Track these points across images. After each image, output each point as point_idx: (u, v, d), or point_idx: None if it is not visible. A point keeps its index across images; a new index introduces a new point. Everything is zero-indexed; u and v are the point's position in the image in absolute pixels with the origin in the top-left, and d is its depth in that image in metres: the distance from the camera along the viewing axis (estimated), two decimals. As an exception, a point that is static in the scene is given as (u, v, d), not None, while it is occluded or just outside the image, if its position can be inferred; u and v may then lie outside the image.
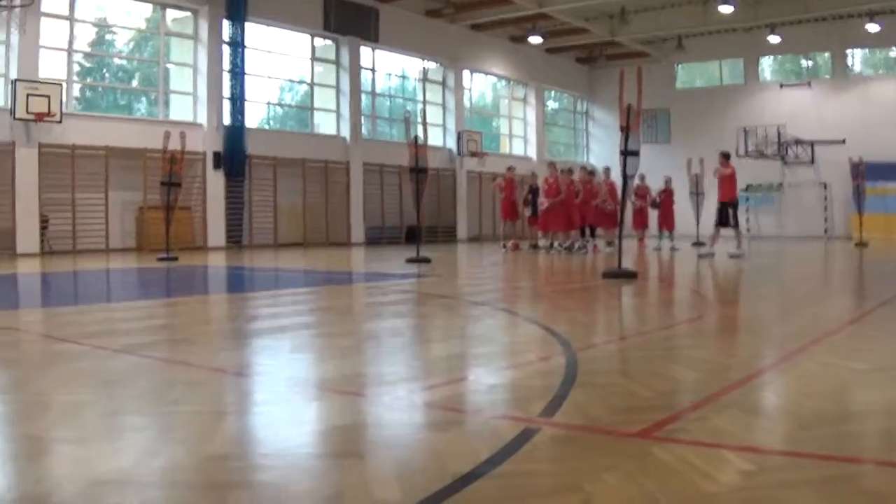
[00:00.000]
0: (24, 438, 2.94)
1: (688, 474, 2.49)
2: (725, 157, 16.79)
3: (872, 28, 27.62)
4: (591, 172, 20.59)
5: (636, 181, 19.25)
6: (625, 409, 3.40)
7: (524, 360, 4.78)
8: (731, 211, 16.32)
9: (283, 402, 3.58)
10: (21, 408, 3.45)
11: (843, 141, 29.19)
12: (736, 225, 16.47)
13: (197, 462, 2.64)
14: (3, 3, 14.28)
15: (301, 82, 25.12)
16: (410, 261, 14.38)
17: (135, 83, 21.98)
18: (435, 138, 27.28)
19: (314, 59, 24.80)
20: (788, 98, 31.28)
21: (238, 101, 21.49)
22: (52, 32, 18.44)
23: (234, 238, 21.79)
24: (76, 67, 19.80)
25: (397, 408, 3.45)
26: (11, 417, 3.34)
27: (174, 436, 2.99)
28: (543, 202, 18.51)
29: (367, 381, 4.14)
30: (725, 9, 26.48)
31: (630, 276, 10.62)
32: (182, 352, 4.92)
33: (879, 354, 4.77)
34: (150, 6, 20.77)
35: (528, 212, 20.56)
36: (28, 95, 17.05)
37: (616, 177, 16.09)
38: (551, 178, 18.52)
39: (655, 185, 21.09)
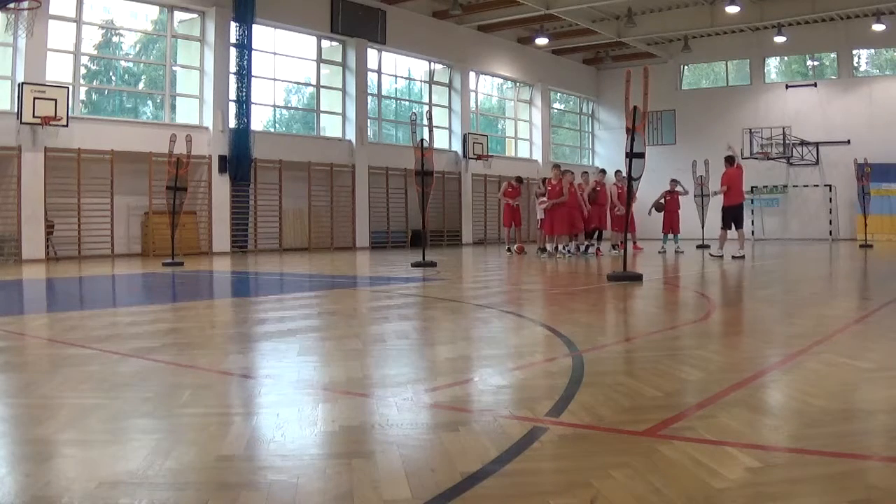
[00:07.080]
0: (33, 441, 2.95)
1: (695, 471, 2.50)
2: (729, 161, 16.81)
3: (879, 28, 27.60)
4: (602, 172, 20.50)
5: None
6: (631, 408, 3.42)
7: (531, 362, 4.80)
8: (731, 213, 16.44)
9: (291, 403, 3.59)
10: (30, 411, 3.47)
11: (848, 142, 29.15)
12: (735, 227, 16.46)
13: (207, 463, 2.66)
14: (11, 5, 14.29)
15: (307, 84, 25.16)
16: (416, 265, 14.37)
17: (141, 86, 22.03)
18: (440, 141, 27.33)
19: (320, 61, 24.84)
20: (794, 99, 31.24)
21: (244, 103, 21.49)
22: (59, 35, 18.46)
23: (240, 243, 21.79)
24: (82, 70, 19.82)
25: (405, 408, 3.46)
26: (20, 420, 3.35)
27: (184, 437, 3.00)
28: (544, 202, 18.51)
29: (375, 382, 4.15)
30: (732, 9, 26.53)
31: (635, 278, 10.63)
32: (190, 355, 4.93)
33: (884, 354, 4.78)
34: (157, 8, 20.81)
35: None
36: (35, 99, 17.03)
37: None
38: (554, 179, 18.52)
39: (660, 187, 21.02)
